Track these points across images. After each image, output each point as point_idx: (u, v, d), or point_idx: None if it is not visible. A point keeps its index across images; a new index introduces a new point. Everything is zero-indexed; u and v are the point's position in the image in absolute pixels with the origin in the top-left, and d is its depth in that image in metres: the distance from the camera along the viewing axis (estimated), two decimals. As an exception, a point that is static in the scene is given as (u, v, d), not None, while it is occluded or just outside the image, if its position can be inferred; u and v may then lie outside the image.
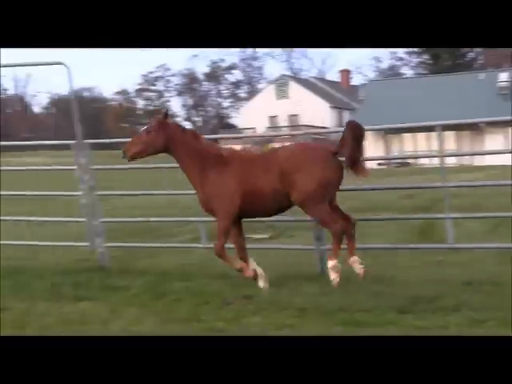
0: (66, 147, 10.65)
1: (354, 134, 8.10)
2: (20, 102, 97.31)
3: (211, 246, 10.33)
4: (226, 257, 8.39)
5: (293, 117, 73.68)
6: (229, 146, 9.02)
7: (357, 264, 8.22)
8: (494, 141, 51.22)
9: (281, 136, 68.98)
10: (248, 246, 8.67)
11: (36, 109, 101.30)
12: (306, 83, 78.86)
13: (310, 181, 8.06)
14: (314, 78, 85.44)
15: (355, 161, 8.07)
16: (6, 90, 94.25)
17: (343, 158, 8.17)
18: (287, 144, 9.02)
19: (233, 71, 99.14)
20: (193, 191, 8.63)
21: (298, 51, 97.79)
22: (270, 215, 8.87)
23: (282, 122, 73.84)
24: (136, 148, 8.41)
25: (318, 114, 70.03)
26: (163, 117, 8.47)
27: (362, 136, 8.15)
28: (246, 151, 9.00)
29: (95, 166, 10.38)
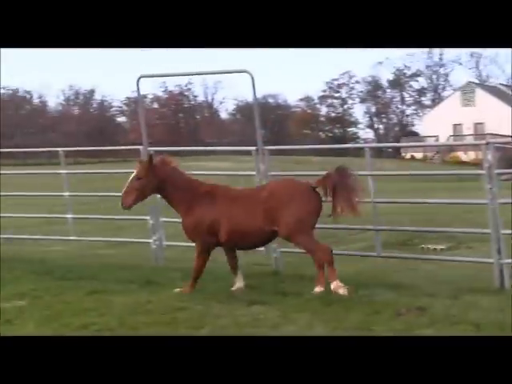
0: (248, 153, 10.91)
1: (338, 183, 8.51)
2: (208, 109, 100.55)
3: (386, 255, 10.30)
4: (194, 280, 8.90)
5: (478, 125, 71.50)
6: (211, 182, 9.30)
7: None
8: None
9: (464, 145, 67.30)
10: (424, 256, 8.52)
11: (223, 115, 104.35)
12: (493, 90, 76.33)
13: (293, 214, 8.45)
14: (503, 85, 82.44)
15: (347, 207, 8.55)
16: (196, 96, 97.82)
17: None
18: (270, 182, 9.55)
19: (418, 78, 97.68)
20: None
21: (487, 58, 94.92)
22: (255, 248, 9.50)
23: (467, 130, 71.86)
24: (130, 197, 8.86)
25: (505, 122, 67.50)
26: (148, 162, 8.81)
27: (349, 183, 8.58)
28: (231, 189, 9.14)
29: (273, 172, 10.53)
